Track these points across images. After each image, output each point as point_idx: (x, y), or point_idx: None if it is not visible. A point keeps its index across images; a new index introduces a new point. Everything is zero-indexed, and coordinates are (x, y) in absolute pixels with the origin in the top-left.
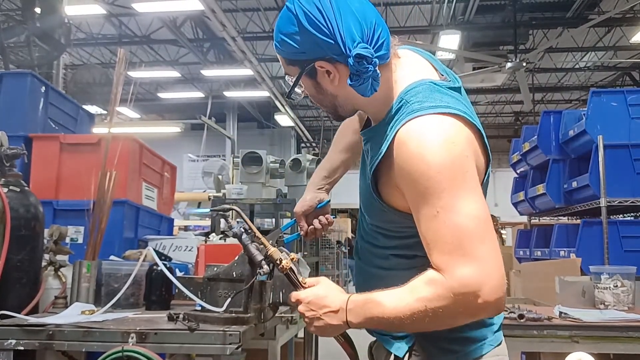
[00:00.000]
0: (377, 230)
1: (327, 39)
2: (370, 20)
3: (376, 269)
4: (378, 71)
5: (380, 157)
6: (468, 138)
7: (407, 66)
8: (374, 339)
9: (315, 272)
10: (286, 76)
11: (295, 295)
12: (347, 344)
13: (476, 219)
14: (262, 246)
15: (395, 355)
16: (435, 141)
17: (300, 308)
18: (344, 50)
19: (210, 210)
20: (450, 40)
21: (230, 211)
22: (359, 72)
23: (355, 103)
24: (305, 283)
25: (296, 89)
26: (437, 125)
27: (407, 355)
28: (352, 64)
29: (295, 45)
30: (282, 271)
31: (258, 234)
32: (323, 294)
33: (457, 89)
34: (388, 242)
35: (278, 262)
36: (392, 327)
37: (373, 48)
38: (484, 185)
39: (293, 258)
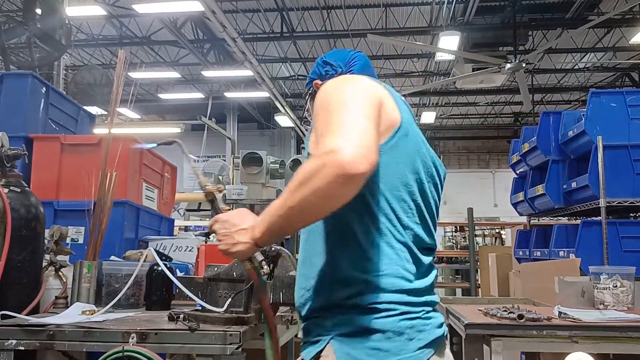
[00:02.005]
0: None
1: (325, 66)
2: (353, 55)
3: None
4: None
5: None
6: (374, 85)
7: None
8: None
9: None
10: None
11: (215, 216)
12: (255, 273)
13: (355, 110)
14: (202, 178)
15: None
16: (341, 79)
17: (215, 226)
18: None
19: (158, 145)
20: (450, 41)
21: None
22: (324, 76)
23: None
24: (226, 210)
25: (307, 116)
26: (343, 75)
27: (314, 359)
28: (321, 68)
29: (309, 76)
30: (207, 196)
31: (197, 171)
32: (237, 215)
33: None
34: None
35: (205, 187)
36: (286, 218)
37: (345, 66)
38: (404, 143)
39: (220, 188)
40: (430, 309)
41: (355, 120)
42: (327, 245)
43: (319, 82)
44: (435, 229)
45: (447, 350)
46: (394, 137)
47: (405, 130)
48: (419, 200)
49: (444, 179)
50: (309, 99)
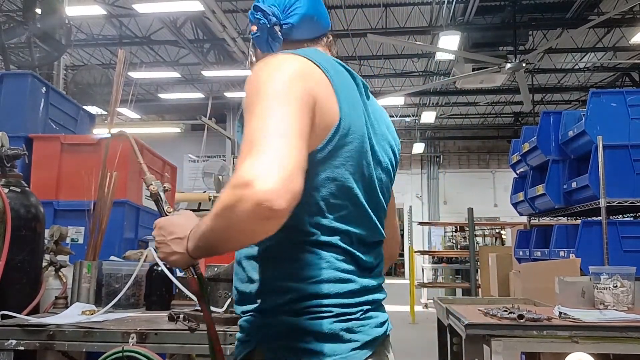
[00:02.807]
0: None
1: (256, 4)
2: None
3: None
4: (277, 32)
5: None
6: (307, 69)
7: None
8: None
9: None
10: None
11: (155, 222)
12: (197, 280)
13: (278, 123)
14: (148, 176)
15: None
16: (273, 63)
17: (154, 232)
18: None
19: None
20: (450, 41)
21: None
22: (255, 24)
23: None
24: (170, 212)
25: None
26: (283, 57)
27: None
28: (250, 14)
29: (250, 17)
30: (151, 197)
31: (144, 168)
32: (177, 222)
33: (348, 70)
34: None
35: (148, 187)
36: (208, 243)
37: (282, 12)
38: (344, 146)
39: (165, 187)
40: (369, 307)
41: (279, 139)
42: (255, 253)
43: (254, 27)
44: (383, 218)
45: (389, 351)
46: (332, 141)
47: (346, 126)
48: (361, 200)
49: (399, 153)
50: (251, 44)
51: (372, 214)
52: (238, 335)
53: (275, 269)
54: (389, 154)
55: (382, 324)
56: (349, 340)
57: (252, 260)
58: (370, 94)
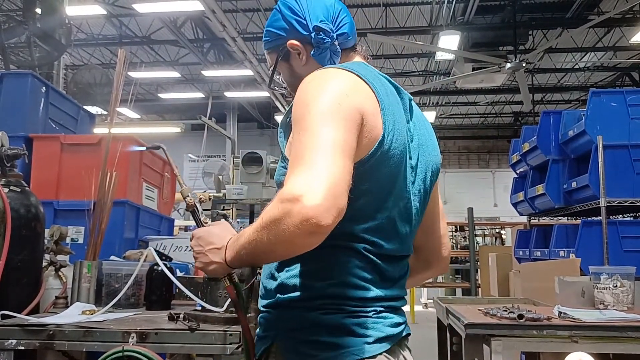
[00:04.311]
0: None
1: (298, 18)
2: (336, 7)
3: None
4: (337, 46)
5: (288, 111)
6: (358, 88)
7: (362, 62)
8: None
9: None
10: (270, 69)
11: (192, 231)
12: (234, 289)
13: (327, 140)
14: (185, 188)
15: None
16: (323, 78)
17: (191, 242)
18: (310, 26)
19: (147, 149)
20: (450, 41)
21: (231, 210)
22: (318, 43)
23: None
24: (206, 223)
25: (275, 78)
26: (332, 71)
27: (263, 354)
28: (313, 35)
29: (274, 30)
30: (188, 208)
31: (180, 179)
32: (214, 232)
33: (391, 83)
34: None
35: (185, 198)
36: (251, 255)
37: (334, 26)
38: (386, 159)
39: (201, 198)
40: (382, 308)
41: (327, 157)
42: None
43: (295, 42)
44: (414, 234)
45: (407, 352)
46: (374, 156)
47: (388, 142)
48: (393, 215)
49: (440, 164)
50: (278, 60)
51: (401, 229)
52: (257, 332)
53: (297, 267)
54: (427, 168)
55: (397, 325)
56: (362, 335)
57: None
58: (414, 106)
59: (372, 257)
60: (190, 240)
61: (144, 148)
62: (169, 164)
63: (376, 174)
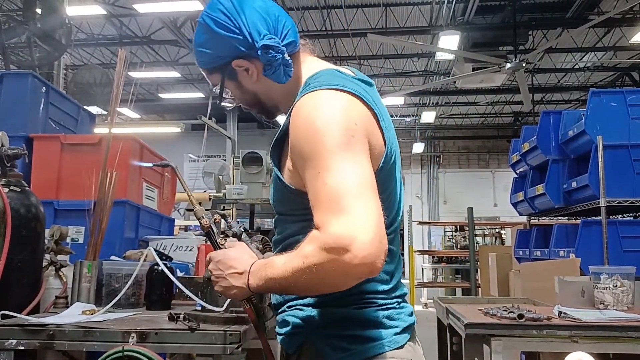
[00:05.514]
0: (285, 219)
1: (236, 36)
2: (274, 13)
3: None
4: (288, 58)
5: (280, 133)
6: (359, 111)
7: (315, 61)
8: None
9: None
10: (214, 88)
11: (209, 254)
12: (253, 310)
13: (355, 180)
14: (198, 208)
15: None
16: (325, 107)
17: (210, 266)
18: (252, 43)
19: (154, 165)
20: (450, 41)
21: (231, 210)
22: (269, 62)
23: (273, 97)
24: (223, 245)
25: (225, 96)
26: (330, 96)
27: (297, 351)
28: (261, 55)
29: (210, 51)
30: (203, 229)
31: (187, 189)
32: (233, 256)
33: (366, 82)
34: (297, 227)
35: (200, 220)
36: (283, 288)
37: (279, 38)
38: (390, 167)
39: (216, 219)
40: (400, 299)
41: (360, 197)
42: None
43: (240, 61)
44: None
45: (417, 339)
46: (383, 169)
47: (390, 151)
48: (400, 212)
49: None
50: (225, 80)
51: (398, 224)
52: (284, 330)
53: None
54: (398, 155)
55: (412, 314)
56: (391, 327)
57: None
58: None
59: (391, 247)
60: (208, 264)
61: (151, 165)
62: (181, 183)
63: (387, 181)
